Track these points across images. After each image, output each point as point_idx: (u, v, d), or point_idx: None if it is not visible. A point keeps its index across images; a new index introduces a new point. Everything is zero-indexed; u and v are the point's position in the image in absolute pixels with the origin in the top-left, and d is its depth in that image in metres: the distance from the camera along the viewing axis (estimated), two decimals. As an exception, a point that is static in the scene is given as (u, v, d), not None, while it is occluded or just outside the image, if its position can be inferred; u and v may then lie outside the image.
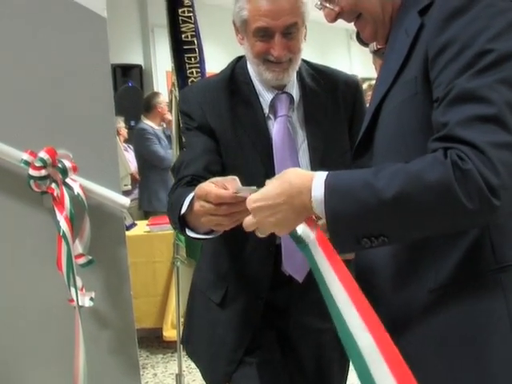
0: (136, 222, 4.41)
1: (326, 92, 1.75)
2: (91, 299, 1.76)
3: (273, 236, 1.21)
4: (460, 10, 1.08)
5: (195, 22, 2.74)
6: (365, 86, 6.31)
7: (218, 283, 1.75)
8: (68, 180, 1.72)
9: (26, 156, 1.68)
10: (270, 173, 1.54)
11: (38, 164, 1.67)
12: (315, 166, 1.67)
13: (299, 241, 1.14)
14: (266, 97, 1.69)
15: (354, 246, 1.07)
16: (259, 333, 1.71)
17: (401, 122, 1.16)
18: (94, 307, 1.79)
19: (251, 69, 1.71)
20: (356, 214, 1.04)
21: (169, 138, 5.27)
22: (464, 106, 1.02)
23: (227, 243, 1.70)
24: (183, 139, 1.91)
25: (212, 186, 1.29)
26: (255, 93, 1.70)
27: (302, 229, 1.13)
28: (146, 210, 5.35)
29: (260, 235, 1.20)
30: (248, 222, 1.17)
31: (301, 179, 1.10)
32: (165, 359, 4.02)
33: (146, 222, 4.37)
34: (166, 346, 4.10)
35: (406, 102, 1.15)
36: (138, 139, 5.45)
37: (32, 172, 1.67)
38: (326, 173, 1.09)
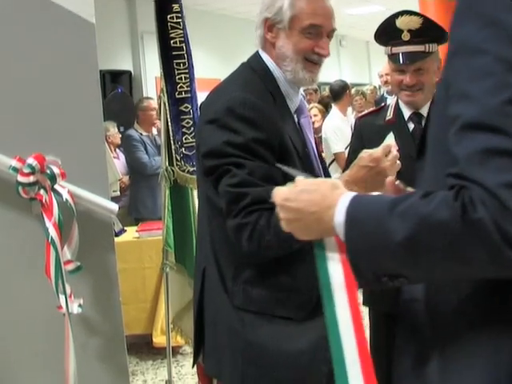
0: (125, 227, 4.40)
1: None
2: (80, 306, 1.75)
3: None
4: None
5: (184, 28, 2.73)
6: (353, 91, 6.34)
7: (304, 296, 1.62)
8: (57, 186, 1.72)
9: (14, 162, 1.67)
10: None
11: (26, 170, 1.67)
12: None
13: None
14: (294, 97, 1.71)
15: (374, 282, 1.00)
16: None
17: (439, 123, 1.05)
18: (82, 314, 1.78)
19: (277, 71, 1.69)
20: (372, 252, 0.97)
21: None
22: (475, 136, 0.88)
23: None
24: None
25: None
26: (282, 95, 1.69)
27: (328, 243, 1.08)
28: (134, 217, 5.33)
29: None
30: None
31: (332, 194, 1.05)
32: (154, 365, 4.00)
33: (135, 227, 4.35)
34: (155, 353, 4.07)
35: (438, 103, 1.06)
36: (125, 145, 5.46)
37: (20, 178, 1.67)
38: (351, 197, 1.02)
